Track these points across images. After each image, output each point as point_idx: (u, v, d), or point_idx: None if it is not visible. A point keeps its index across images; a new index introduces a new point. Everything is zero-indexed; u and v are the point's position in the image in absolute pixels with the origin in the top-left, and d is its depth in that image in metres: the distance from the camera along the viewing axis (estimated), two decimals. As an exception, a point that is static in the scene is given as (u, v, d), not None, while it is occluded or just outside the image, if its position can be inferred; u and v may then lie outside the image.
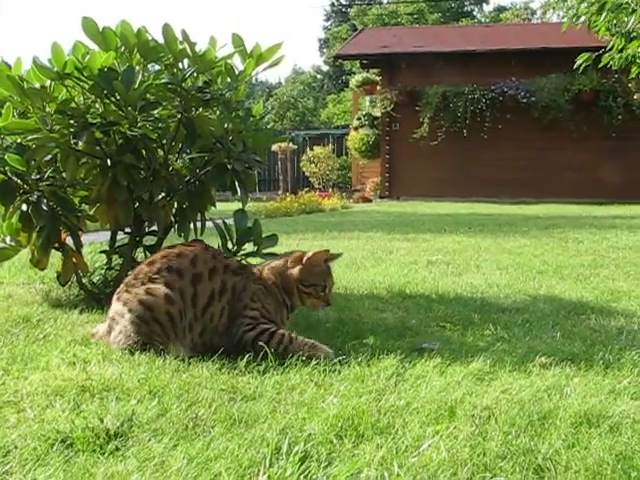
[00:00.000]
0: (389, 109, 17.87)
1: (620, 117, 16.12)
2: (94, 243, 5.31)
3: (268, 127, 28.01)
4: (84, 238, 3.91)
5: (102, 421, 1.90)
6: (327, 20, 56.51)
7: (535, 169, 17.14)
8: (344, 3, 55.10)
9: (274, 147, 20.28)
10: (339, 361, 2.54)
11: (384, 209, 13.99)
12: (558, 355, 2.57)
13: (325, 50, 54.72)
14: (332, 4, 55.93)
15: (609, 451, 1.73)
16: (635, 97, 15.58)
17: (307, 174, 21.58)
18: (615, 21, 8.84)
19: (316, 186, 20.68)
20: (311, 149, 21.72)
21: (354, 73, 27.00)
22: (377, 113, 18.54)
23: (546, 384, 2.25)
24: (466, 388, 2.23)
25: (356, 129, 18.85)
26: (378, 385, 2.26)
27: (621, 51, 8.79)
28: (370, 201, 17.65)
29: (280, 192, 18.41)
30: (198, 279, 2.75)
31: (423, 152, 17.32)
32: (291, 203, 13.34)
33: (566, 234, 7.45)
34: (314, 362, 2.48)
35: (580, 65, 8.91)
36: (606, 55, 8.90)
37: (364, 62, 20.10)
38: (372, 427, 1.89)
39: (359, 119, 18.86)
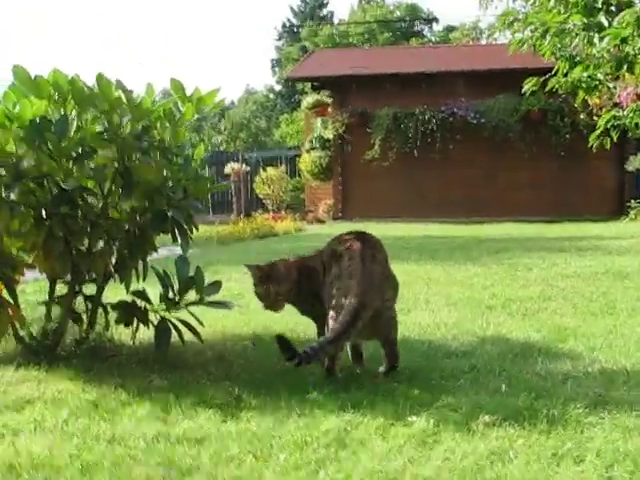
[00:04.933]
0: (341, 131, 17.90)
1: (567, 136, 16.35)
2: (39, 280, 5.12)
3: (221, 150, 27.96)
4: (28, 275, 3.79)
5: (25, 510, 1.81)
6: (279, 40, 56.70)
7: (487, 188, 17.25)
8: (295, 23, 55.32)
9: (227, 169, 20.25)
10: (279, 422, 2.48)
11: (337, 231, 13.89)
12: (502, 412, 2.51)
13: (277, 70, 54.84)
14: (283, 25, 56.16)
15: (550, 530, 1.69)
16: (582, 117, 15.77)
17: (261, 196, 21.46)
18: (559, 45, 8.94)
19: (270, 208, 20.56)
20: (264, 170, 21.62)
21: (306, 93, 26.98)
22: (329, 135, 18.52)
23: (489, 448, 2.20)
24: (408, 454, 2.18)
25: (308, 151, 18.82)
26: (318, 454, 2.19)
27: (566, 75, 8.89)
28: (323, 222, 17.61)
29: (233, 215, 18.31)
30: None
31: (375, 173, 17.35)
32: (244, 228, 13.25)
33: (516, 260, 7.46)
34: (255, 428, 2.41)
35: (528, 90, 9.00)
36: (553, 79, 9.00)
37: (315, 84, 20.11)
38: (309, 508, 1.83)
39: (310, 141, 18.83)
